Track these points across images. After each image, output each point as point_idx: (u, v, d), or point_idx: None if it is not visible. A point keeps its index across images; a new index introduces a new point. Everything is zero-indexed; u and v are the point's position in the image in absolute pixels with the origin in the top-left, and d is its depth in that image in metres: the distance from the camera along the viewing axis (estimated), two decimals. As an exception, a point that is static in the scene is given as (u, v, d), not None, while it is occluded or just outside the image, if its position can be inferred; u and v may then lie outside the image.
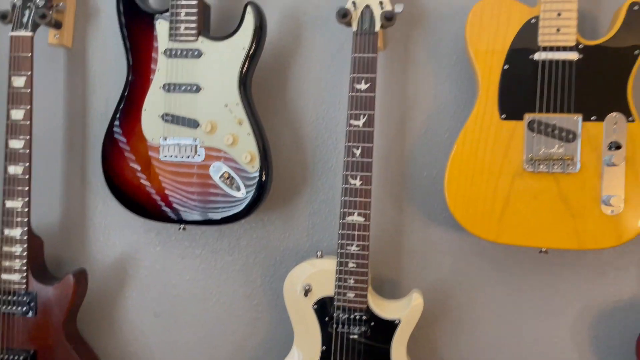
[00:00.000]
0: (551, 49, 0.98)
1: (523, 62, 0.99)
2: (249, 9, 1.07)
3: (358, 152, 1.04)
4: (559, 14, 0.97)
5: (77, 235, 1.29)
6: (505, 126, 1.00)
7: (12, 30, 1.11)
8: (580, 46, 0.98)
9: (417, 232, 1.17)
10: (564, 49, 0.98)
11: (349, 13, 1.05)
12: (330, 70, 1.19)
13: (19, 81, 1.09)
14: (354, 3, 1.05)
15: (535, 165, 0.99)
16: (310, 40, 1.20)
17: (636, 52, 0.96)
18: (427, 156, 1.16)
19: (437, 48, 1.16)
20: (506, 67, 1.00)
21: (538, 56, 0.99)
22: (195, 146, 1.08)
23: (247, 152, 1.06)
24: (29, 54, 1.09)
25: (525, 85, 0.99)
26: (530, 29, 0.99)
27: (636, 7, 0.96)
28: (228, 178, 1.08)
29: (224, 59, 1.07)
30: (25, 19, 1.11)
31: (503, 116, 1.00)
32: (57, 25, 1.18)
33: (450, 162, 1.02)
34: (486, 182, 1.01)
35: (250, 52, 1.07)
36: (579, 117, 0.98)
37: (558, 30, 0.98)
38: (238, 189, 1.08)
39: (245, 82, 1.08)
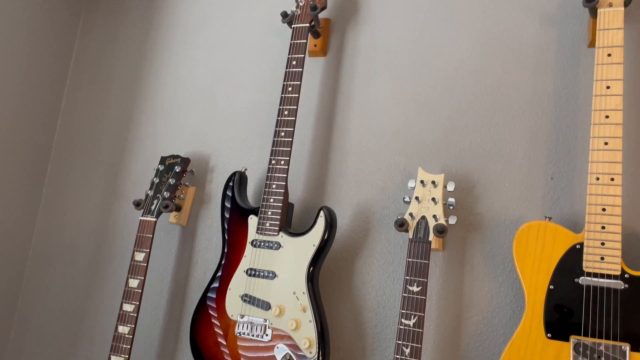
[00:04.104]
0: (595, 275, 1.02)
1: (568, 284, 1.04)
2: (321, 212, 1.26)
3: (407, 350, 1.12)
4: (602, 244, 1.02)
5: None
6: (551, 345, 1.03)
7: (142, 215, 1.41)
8: (626, 275, 1.00)
9: None
10: (609, 277, 1.01)
11: (405, 223, 1.19)
12: (393, 263, 1.32)
13: (139, 256, 1.37)
14: (411, 214, 1.20)
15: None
16: (377, 235, 1.35)
17: (686, 288, 0.96)
18: (481, 358, 1.19)
19: (492, 253, 1.24)
20: (551, 287, 1.05)
21: (583, 281, 1.03)
22: (265, 326, 1.24)
23: (306, 339, 1.18)
24: (151, 236, 1.38)
25: (570, 307, 1.03)
26: (575, 254, 1.05)
27: (684, 244, 0.98)
28: None
29: (297, 252, 1.26)
30: (153, 207, 1.42)
31: (549, 335, 1.03)
32: (178, 208, 1.48)
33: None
34: (530, 401, 1.01)
35: (319, 249, 1.24)
36: (626, 347, 0.97)
37: (602, 258, 1.02)
38: (297, 371, 1.20)
39: (313, 273, 1.24)
